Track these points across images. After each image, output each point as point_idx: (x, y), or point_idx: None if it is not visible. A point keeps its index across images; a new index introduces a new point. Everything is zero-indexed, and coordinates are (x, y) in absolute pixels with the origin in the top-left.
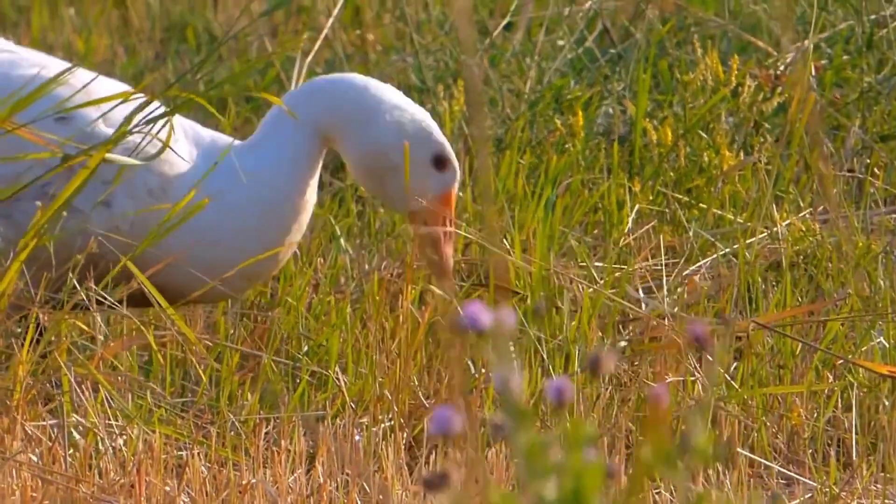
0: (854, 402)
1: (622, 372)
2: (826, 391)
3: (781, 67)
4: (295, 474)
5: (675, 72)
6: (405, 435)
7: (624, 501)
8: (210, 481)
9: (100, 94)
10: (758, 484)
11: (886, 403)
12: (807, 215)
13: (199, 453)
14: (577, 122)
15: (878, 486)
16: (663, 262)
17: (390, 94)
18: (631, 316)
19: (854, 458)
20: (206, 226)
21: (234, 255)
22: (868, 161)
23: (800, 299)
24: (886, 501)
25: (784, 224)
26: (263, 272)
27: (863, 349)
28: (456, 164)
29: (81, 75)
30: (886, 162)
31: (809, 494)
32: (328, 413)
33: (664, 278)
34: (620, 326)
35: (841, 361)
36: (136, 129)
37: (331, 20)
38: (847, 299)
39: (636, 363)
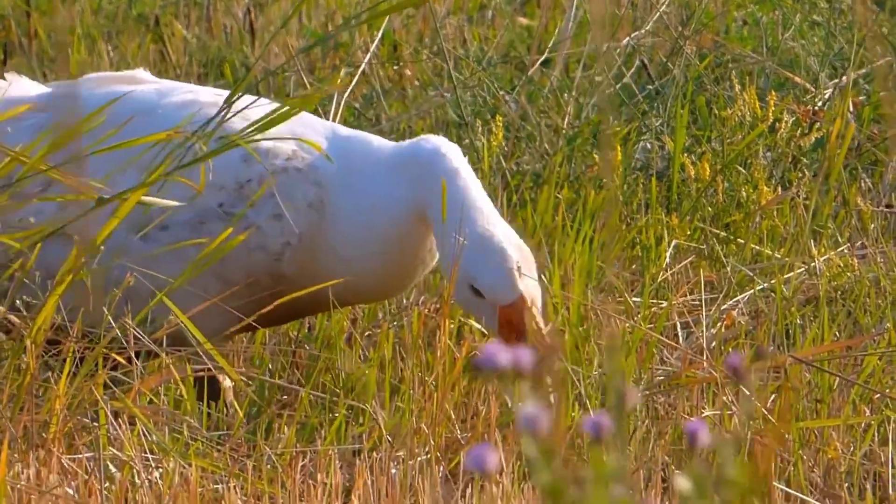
0: (891, 436)
1: (659, 405)
2: (863, 425)
3: (819, 103)
4: None
5: (714, 107)
6: (441, 468)
7: None
8: None
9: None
10: None
11: None
12: (845, 250)
13: (235, 487)
14: (616, 157)
15: None
16: (702, 298)
17: (463, 199)
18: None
19: (890, 491)
20: (353, 236)
21: (376, 272)
22: None
23: (837, 334)
24: None
25: (822, 259)
26: (394, 286)
27: None
28: (498, 290)
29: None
30: None
31: None
32: (365, 446)
33: (703, 313)
34: (658, 361)
35: (878, 395)
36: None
37: (368, 56)
38: (885, 334)
39: (673, 397)
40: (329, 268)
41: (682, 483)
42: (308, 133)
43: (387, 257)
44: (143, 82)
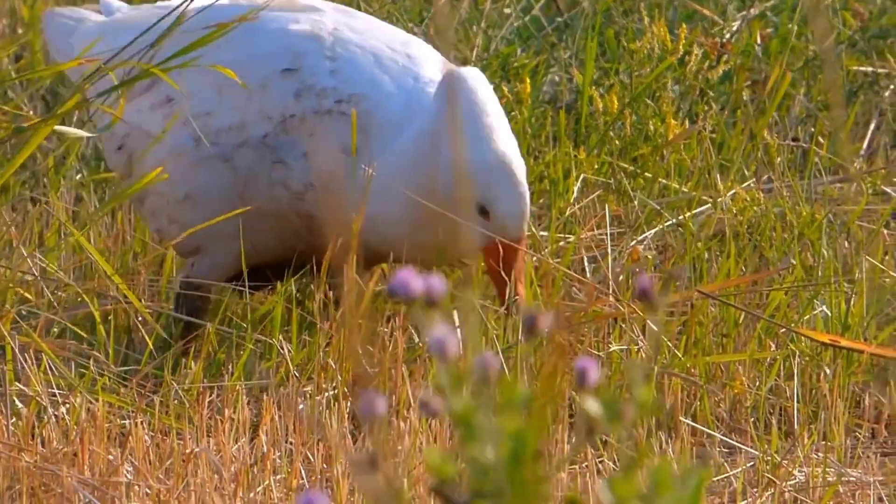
0: (796, 371)
1: (565, 340)
2: (768, 360)
3: (727, 36)
4: (238, 443)
5: (622, 40)
6: (349, 404)
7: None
8: (153, 450)
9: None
10: (700, 453)
11: (828, 372)
12: (751, 184)
13: (142, 422)
14: (524, 90)
15: (820, 454)
16: (608, 232)
17: (486, 114)
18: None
19: (796, 426)
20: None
21: (391, 227)
22: (813, 130)
23: (744, 269)
24: (827, 470)
25: (729, 194)
26: (439, 247)
27: (805, 318)
28: (511, 222)
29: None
30: (831, 131)
31: (751, 463)
32: (272, 382)
33: (610, 247)
34: (565, 296)
35: (783, 330)
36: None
37: None
38: (790, 269)
39: (583, 333)
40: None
41: (592, 406)
42: (395, 77)
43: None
44: (295, 3)
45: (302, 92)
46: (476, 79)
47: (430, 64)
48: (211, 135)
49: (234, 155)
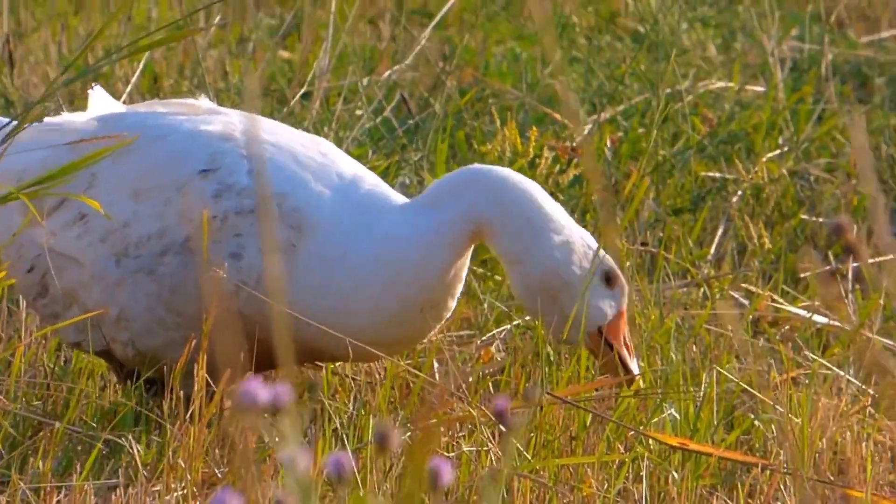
0: (645, 474)
1: (415, 442)
2: (617, 462)
3: (578, 139)
4: None
5: (473, 142)
6: (198, 503)
7: None
8: None
9: None
10: None
11: (676, 475)
12: None
13: None
14: None
15: None
16: (459, 334)
17: (551, 206)
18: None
19: None
20: (336, 284)
21: (360, 318)
22: (661, 234)
23: (593, 372)
24: None
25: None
26: (398, 339)
27: (654, 421)
28: (623, 279)
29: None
30: (679, 235)
31: None
32: (121, 482)
33: (456, 351)
34: (419, 397)
35: (632, 433)
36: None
37: (129, 87)
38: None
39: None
40: (305, 312)
41: None
42: (317, 174)
43: (414, 296)
44: (199, 109)
45: (222, 192)
46: (514, 173)
47: (344, 160)
48: (131, 247)
49: (157, 266)
